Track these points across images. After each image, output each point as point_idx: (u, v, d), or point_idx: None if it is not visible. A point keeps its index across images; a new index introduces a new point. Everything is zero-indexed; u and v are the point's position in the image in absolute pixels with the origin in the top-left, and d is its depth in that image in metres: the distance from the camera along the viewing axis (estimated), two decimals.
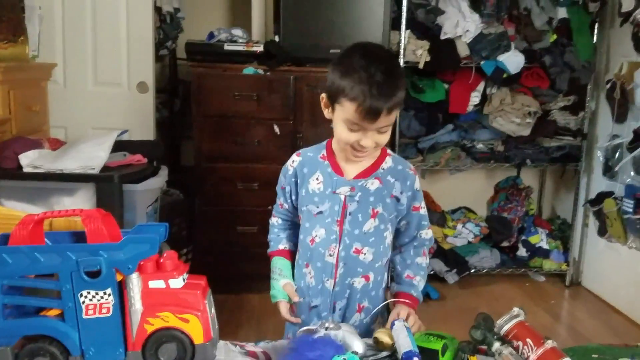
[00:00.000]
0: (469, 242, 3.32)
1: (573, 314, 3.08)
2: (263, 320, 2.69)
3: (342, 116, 1.21)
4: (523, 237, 3.35)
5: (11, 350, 0.96)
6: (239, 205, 2.93)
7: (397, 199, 1.31)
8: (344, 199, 1.29)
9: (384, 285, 1.39)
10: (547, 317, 2.85)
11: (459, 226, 3.34)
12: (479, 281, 3.19)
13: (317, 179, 1.32)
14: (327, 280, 1.33)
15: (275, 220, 1.45)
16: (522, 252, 3.33)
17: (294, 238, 1.43)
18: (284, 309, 1.33)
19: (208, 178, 2.90)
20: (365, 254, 1.31)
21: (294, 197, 1.38)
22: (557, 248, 3.34)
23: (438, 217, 3.34)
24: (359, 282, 1.33)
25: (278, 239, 1.43)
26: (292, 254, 1.42)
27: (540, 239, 3.33)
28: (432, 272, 3.18)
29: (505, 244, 3.34)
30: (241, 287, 2.88)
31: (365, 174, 1.30)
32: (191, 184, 3.00)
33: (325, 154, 1.33)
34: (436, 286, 3.10)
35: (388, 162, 1.32)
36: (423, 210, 1.36)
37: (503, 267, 3.27)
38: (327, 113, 1.28)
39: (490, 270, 3.25)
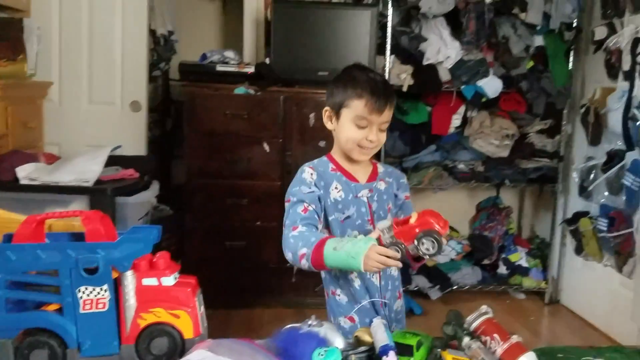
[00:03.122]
0: (452, 260, 3.40)
1: (552, 330, 3.15)
2: (252, 335, 2.72)
3: (350, 116, 1.39)
4: (503, 255, 3.43)
5: (12, 342, 1.01)
6: (228, 221, 3.00)
7: (395, 195, 1.53)
8: (367, 201, 1.45)
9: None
10: (526, 334, 2.90)
11: None
12: (461, 297, 3.25)
13: (336, 188, 1.44)
14: (373, 276, 1.44)
15: (300, 229, 1.35)
16: (502, 269, 3.41)
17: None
18: (383, 248, 1.23)
19: (198, 194, 2.97)
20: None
21: (321, 203, 1.41)
22: (536, 266, 3.42)
23: None
24: (395, 271, 1.48)
25: (316, 234, 1.34)
26: None
27: (520, 257, 3.41)
28: (415, 288, 3.26)
29: (486, 261, 3.42)
30: (230, 302, 2.92)
31: (373, 177, 1.49)
32: (181, 200, 3.07)
33: (334, 167, 1.47)
34: (420, 302, 3.16)
35: (380, 168, 1.53)
36: (410, 200, 1.57)
37: (484, 284, 3.35)
38: (330, 125, 1.46)
39: (472, 287, 3.32)
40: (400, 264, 1.27)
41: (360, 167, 1.48)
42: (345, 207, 1.43)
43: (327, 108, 1.46)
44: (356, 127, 1.39)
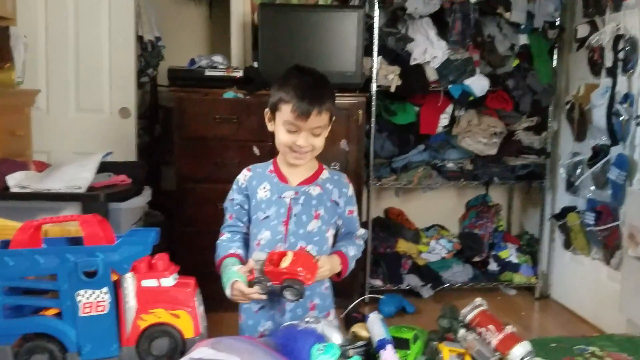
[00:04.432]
0: (442, 258, 3.43)
1: (543, 325, 3.19)
2: None
3: (281, 120, 1.39)
4: (493, 252, 3.47)
5: (11, 348, 1.01)
6: (218, 226, 2.98)
7: (336, 203, 1.48)
8: (289, 202, 1.43)
9: (328, 282, 1.49)
10: (518, 329, 2.87)
11: (433, 242, 3.45)
12: (452, 295, 3.27)
13: (264, 188, 1.45)
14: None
15: (222, 237, 1.49)
16: (493, 266, 3.44)
17: (243, 247, 1.47)
18: (242, 286, 1.31)
19: (188, 199, 2.97)
20: (309, 252, 1.40)
21: (245, 208, 1.47)
22: (526, 262, 3.46)
23: (412, 234, 3.44)
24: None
25: (227, 247, 1.45)
26: (243, 260, 1.45)
27: (510, 254, 3.45)
28: (407, 287, 3.28)
29: (476, 259, 3.45)
30: (221, 306, 2.90)
31: (308, 181, 1.46)
32: (172, 205, 3.06)
33: (272, 169, 1.48)
34: (412, 301, 3.18)
35: (325, 174, 1.49)
36: (355, 214, 1.53)
37: (475, 281, 3.38)
38: (270, 126, 1.45)
39: (463, 285, 3.35)
40: (264, 297, 1.32)
41: (299, 170, 1.46)
42: (267, 206, 1.43)
43: (266, 110, 1.44)
44: (286, 131, 1.38)
